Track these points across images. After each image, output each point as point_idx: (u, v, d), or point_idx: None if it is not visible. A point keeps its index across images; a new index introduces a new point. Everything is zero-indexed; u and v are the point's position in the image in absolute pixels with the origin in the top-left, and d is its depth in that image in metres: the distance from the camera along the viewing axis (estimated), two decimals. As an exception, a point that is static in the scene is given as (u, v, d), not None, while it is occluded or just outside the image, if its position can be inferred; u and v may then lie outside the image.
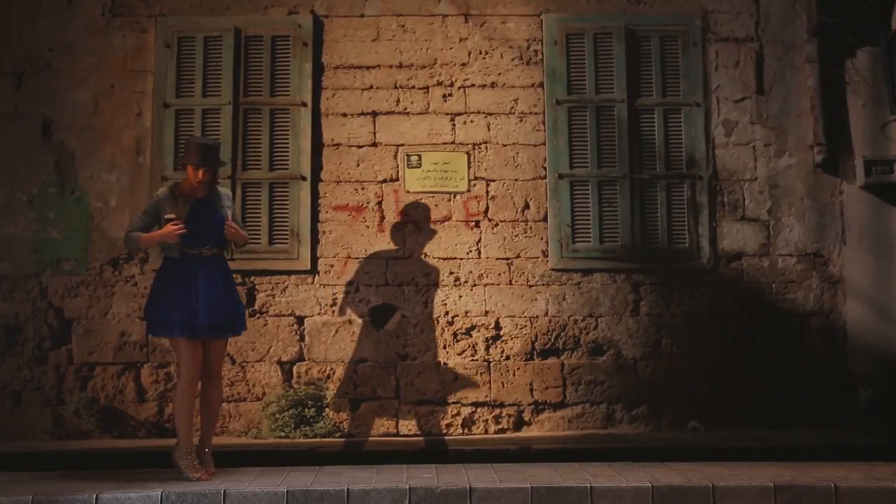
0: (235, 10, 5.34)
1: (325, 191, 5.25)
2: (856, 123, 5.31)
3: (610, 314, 5.19)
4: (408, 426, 5.07)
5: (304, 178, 5.21)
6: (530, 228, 5.25)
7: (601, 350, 5.17)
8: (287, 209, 5.19)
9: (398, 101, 5.31)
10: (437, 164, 5.27)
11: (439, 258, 5.22)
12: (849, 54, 5.31)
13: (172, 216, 4.09)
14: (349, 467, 4.45)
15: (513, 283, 5.21)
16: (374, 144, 5.30)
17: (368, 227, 5.23)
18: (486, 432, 5.07)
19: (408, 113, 5.31)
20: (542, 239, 5.23)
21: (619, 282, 5.21)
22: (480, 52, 5.35)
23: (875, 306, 5.19)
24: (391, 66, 5.34)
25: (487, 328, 5.17)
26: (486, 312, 5.19)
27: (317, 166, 5.25)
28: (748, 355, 5.15)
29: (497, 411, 5.11)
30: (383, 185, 5.27)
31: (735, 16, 5.40)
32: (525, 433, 5.07)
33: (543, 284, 5.20)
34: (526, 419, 5.11)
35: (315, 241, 5.20)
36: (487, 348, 5.16)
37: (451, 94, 5.32)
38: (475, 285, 5.20)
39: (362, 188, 5.26)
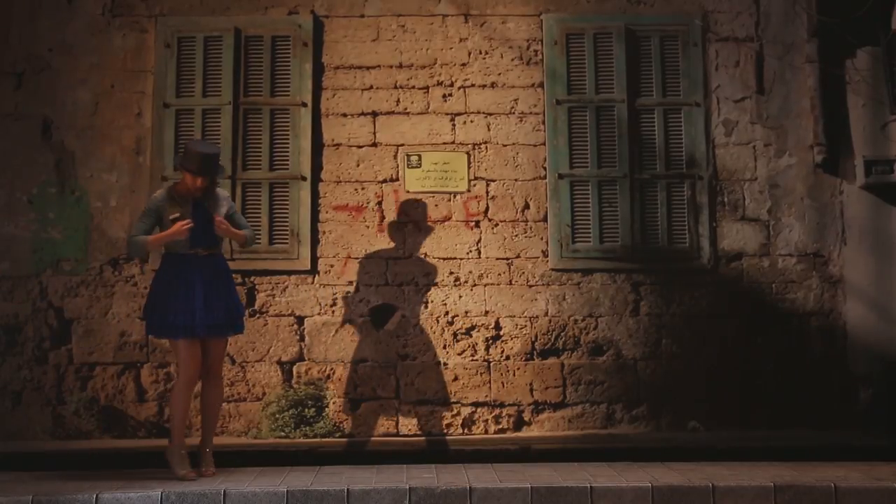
0: (235, 10, 5.35)
1: (325, 191, 5.25)
2: (856, 123, 5.31)
3: (610, 314, 5.19)
4: (408, 426, 5.07)
5: (304, 178, 5.21)
6: (530, 228, 5.25)
7: (601, 350, 5.17)
8: (287, 209, 5.19)
9: (398, 101, 5.32)
10: (437, 164, 5.27)
11: (439, 258, 5.22)
12: (849, 54, 5.31)
13: (178, 215, 4.09)
14: (349, 467, 4.45)
15: (513, 283, 5.21)
16: (374, 144, 5.30)
17: (368, 227, 5.23)
18: (486, 432, 5.07)
19: (408, 113, 5.31)
20: (542, 239, 5.23)
21: (619, 282, 5.21)
22: (480, 52, 5.35)
23: (875, 306, 5.19)
24: (391, 66, 5.34)
25: (487, 328, 5.17)
26: (486, 312, 5.19)
27: (317, 166, 5.26)
28: (748, 355, 5.15)
29: (497, 411, 5.11)
30: (383, 185, 5.27)
31: (735, 16, 5.40)
32: (525, 433, 5.07)
33: (543, 284, 5.20)
34: (526, 419, 5.11)
35: (315, 241, 5.21)
36: (487, 348, 5.16)
37: (451, 94, 5.32)
38: (475, 285, 5.20)
39: (362, 188, 5.26)
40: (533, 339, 5.17)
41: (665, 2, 5.40)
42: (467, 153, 5.29)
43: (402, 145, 5.29)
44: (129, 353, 5.10)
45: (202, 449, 4.23)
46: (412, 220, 5.24)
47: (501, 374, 5.14)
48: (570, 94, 5.30)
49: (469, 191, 5.27)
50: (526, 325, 5.17)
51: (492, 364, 5.15)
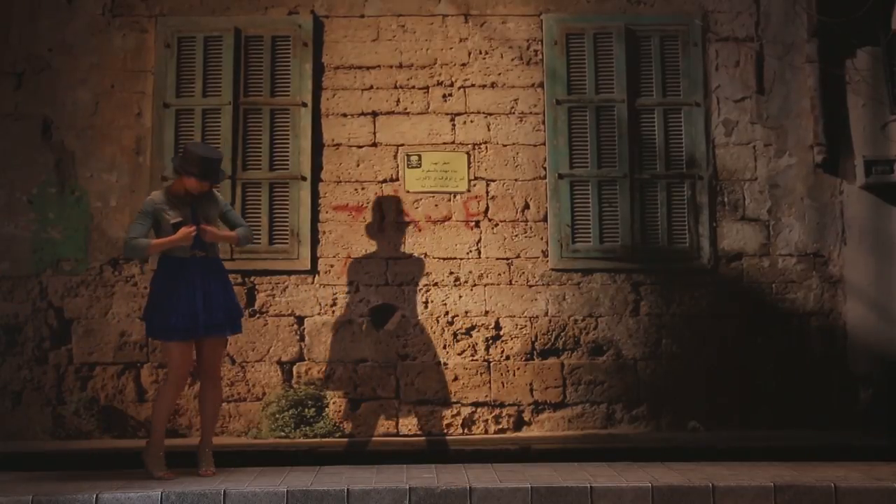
0: (235, 10, 5.35)
1: (325, 191, 5.25)
2: (856, 123, 5.31)
3: (610, 314, 5.19)
4: (408, 426, 5.07)
5: (304, 178, 5.21)
6: (530, 228, 5.25)
7: (601, 350, 5.17)
8: (287, 209, 5.19)
9: (398, 101, 5.32)
10: (437, 164, 5.27)
11: (439, 258, 5.22)
12: (849, 54, 5.31)
13: (180, 220, 4.09)
14: (349, 467, 4.45)
15: (513, 283, 5.21)
16: (374, 144, 5.30)
17: (368, 227, 5.23)
18: (486, 432, 5.08)
19: (408, 113, 5.31)
20: (542, 239, 5.23)
21: (619, 282, 5.21)
22: (480, 52, 5.35)
23: (875, 306, 5.19)
24: (391, 66, 5.34)
25: (487, 328, 5.17)
26: (486, 312, 5.19)
27: (317, 166, 5.26)
28: (748, 355, 5.15)
29: (497, 411, 5.11)
30: (383, 185, 5.27)
31: (735, 16, 5.40)
32: (525, 433, 5.07)
33: (543, 284, 5.20)
34: (526, 419, 5.11)
35: (315, 241, 5.21)
36: (487, 348, 5.16)
37: (451, 94, 5.32)
38: (475, 285, 5.20)
39: (362, 188, 5.26)
40: (533, 339, 5.17)
41: (665, 2, 5.40)
42: (467, 153, 5.29)
43: (402, 145, 5.29)
44: (129, 353, 5.10)
45: (202, 449, 4.23)
46: (412, 220, 5.24)
47: (501, 374, 5.14)
48: (570, 94, 5.30)
49: (469, 191, 5.27)
50: (526, 325, 5.17)
51: (492, 364, 5.15)
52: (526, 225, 5.25)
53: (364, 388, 5.11)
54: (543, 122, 5.29)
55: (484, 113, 5.31)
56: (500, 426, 5.10)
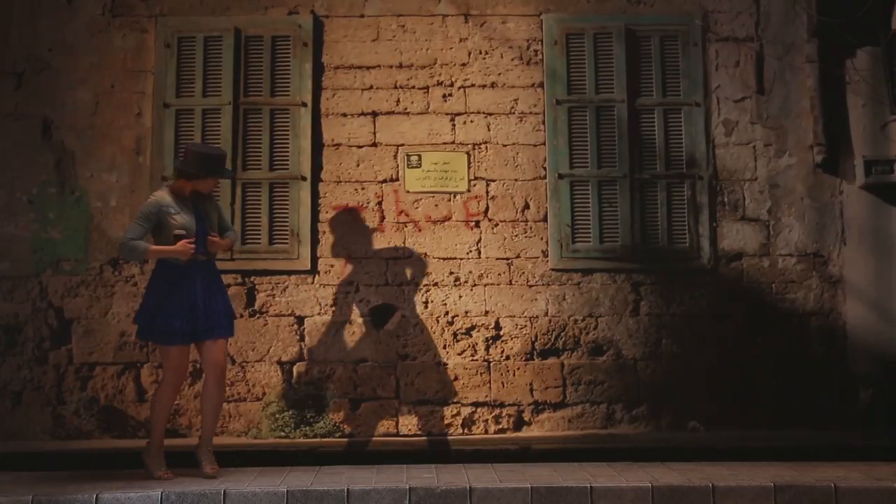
0: (235, 10, 5.35)
1: (325, 191, 5.25)
2: (856, 123, 5.31)
3: (610, 314, 5.19)
4: (408, 426, 5.07)
5: (304, 178, 5.21)
6: (530, 228, 5.25)
7: (601, 350, 5.17)
8: (287, 209, 5.19)
9: (398, 101, 5.32)
10: (437, 164, 5.27)
11: (439, 258, 5.22)
12: (849, 54, 5.31)
13: (183, 232, 4.11)
14: (349, 467, 4.45)
15: (513, 283, 5.21)
16: (374, 144, 5.30)
17: (368, 227, 5.23)
18: (486, 432, 5.07)
19: (408, 113, 5.31)
20: (542, 239, 5.23)
21: (619, 282, 5.21)
22: (480, 52, 5.35)
23: (875, 306, 5.19)
24: (391, 66, 5.34)
25: (487, 328, 5.17)
26: (486, 312, 5.19)
27: (317, 166, 5.26)
28: (748, 355, 5.15)
29: (497, 411, 5.11)
30: (383, 185, 5.27)
31: (735, 16, 5.40)
32: (525, 433, 5.07)
33: (543, 284, 5.20)
34: (526, 419, 5.11)
35: (315, 241, 5.21)
36: (487, 348, 5.16)
37: (451, 94, 5.32)
38: (475, 285, 5.20)
39: (362, 188, 5.26)
40: (533, 339, 5.17)
41: (665, 2, 5.40)
42: (467, 153, 5.29)
43: (402, 145, 5.29)
44: (129, 353, 5.10)
45: (203, 448, 4.23)
46: (412, 220, 5.24)
47: (501, 374, 5.14)
48: (570, 94, 5.30)
49: (469, 191, 5.27)
50: (526, 325, 5.17)
51: (492, 364, 5.15)
52: (526, 225, 5.25)
53: (364, 388, 5.11)
54: (543, 122, 5.29)
55: (484, 113, 5.31)
56: (500, 426, 5.09)
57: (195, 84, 5.25)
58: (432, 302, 5.18)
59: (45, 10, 5.32)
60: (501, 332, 5.17)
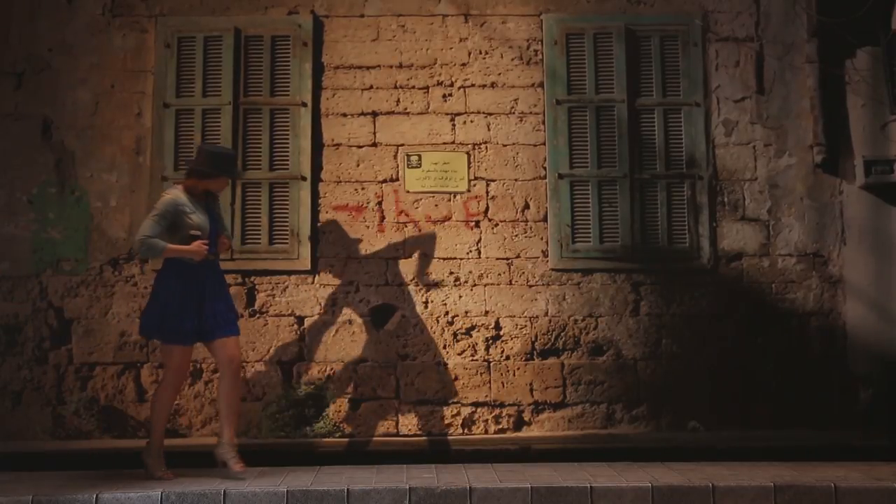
0: (235, 10, 5.35)
1: (325, 191, 5.25)
2: (856, 123, 5.31)
3: (610, 314, 5.19)
4: (408, 426, 5.07)
5: (304, 178, 5.21)
6: (530, 228, 5.24)
7: (601, 350, 5.17)
8: (287, 209, 5.19)
9: (398, 101, 5.31)
10: (437, 164, 5.27)
11: (439, 258, 5.22)
12: (849, 54, 5.32)
13: (198, 233, 4.15)
14: (349, 467, 4.46)
15: (513, 283, 5.21)
16: (374, 144, 5.30)
17: (368, 227, 5.23)
18: (486, 432, 5.07)
19: (408, 113, 5.31)
20: (542, 239, 5.23)
21: (619, 282, 5.21)
22: (480, 52, 5.35)
23: (875, 306, 5.19)
24: (391, 66, 5.34)
25: (487, 328, 5.17)
26: (486, 312, 5.19)
27: (317, 166, 5.25)
28: (748, 355, 5.15)
29: (497, 411, 5.11)
30: (383, 185, 5.27)
31: (735, 16, 5.40)
32: (525, 433, 5.07)
33: (543, 284, 5.20)
34: (526, 419, 5.11)
35: (315, 241, 5.20)
36: (487, 348, 5.16)
37: (451, 94, 5.32)
38: (475, 285, 5.20)
39: (362, 188, 5.26)
40: (533, 339, 5.17)
41: (665, 2, 5.40)
42: (467, 153, 5.29)
43: (402, 145, 5.29)
44: (129, 353, 5.10)
45: (228, 447, 4.19)
46: (412, 220, 5.24)
47: (501, 374, 5.14)
48: (570, 94, 5.30)
49: (469, 191, 5.27)
50: (526, 325, 5.17)
51: (492, 364, 5.15)
52: (526, 225, 5.25)
53: (364, 388, 5.11)
54: (543, 122, 5.29)
55: (484, 113, 5.31)
56: (500, 426, 5.09)
57: (195, 84, 5.25)
58: (432, 302, 5.18)
59: (45, 10, 5.32)
60: (501, 332, 5.17)
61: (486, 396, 5.12)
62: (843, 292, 5.23)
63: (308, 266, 5.17)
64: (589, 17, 5.36)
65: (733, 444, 4.76)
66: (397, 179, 5.27)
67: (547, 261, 5.21)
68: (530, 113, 5.31)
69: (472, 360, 5.15)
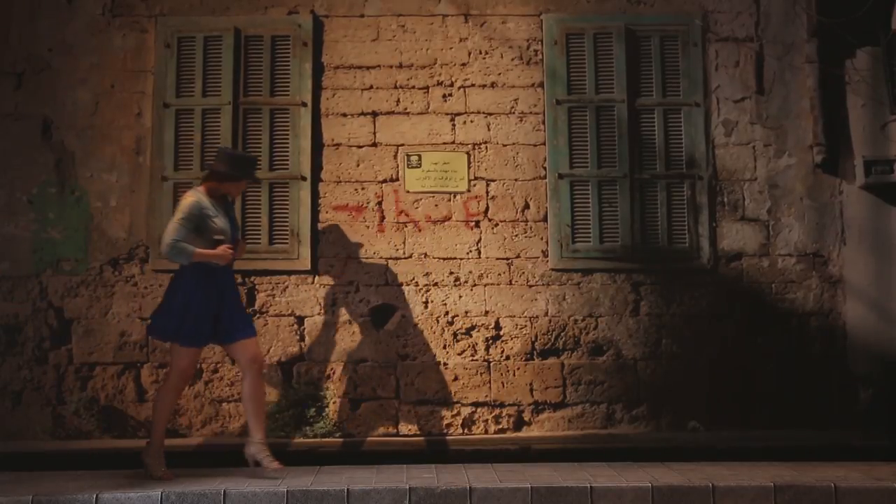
0: (235, 10, 5.35)
1: (325, 191, 5.25)
2: (856, 123, 5.31)
3: (610, 314, 5.19)
4: (408, 426, 5.07)
5: (304, 178, 5.21)
6: (530, 228, 5.25)
7: (601, 350, 5.17)
8: (287, 209, 5.19)
9: (398, 101, 5.31)
10: (437, 164, 5.27)
11: (439, 258, 5.22)
12: (849, 54, 5.32)
13: (222, 237, 4.20)
14: (349, 467, 4.46)
15: (513, 283, 5.21)
16: (374, 144, 5.30)
17: (368, 227, 5.23)
18: (486, 432, 5.07)
19: (408, 113, 5.31)
20: (542, 239, 5.23)
21: (619, 282, 5.21)
22: (480, 52, 5.35)
23: (875, 306, 5.19)
24: (391, 66, 5.34)
25: (487, 328, 5.17)
26: (486, 312, 5.19)
27: (317, 166, 5.25)
28: (748, 355, 5.15)
29: (497, 411, 5.11)
30: (383, 185, 5.27)
31: (735, 16, 5.40)
32: (525, 433, 5.07)
33: (543, 284, 5.20)
34: (526, 419, 5.11)
35: (315, 241, 5.20)
36: (487, 348, 5.16)
37: (451, 94, 5.32)
38: (475, 285, 5.20)
39: (362, 188, 5.26)
40: (533, 339, 5.17)
41: (665, 2, 5.40)
42: (467, 153, 5.29)
43: (402, 145, 5.29)
44: (129, 353, 5.10)
45: (261, 446, 4.18)
46: (412, 220, 5.24)
47: (501, 374, 5.14)
48: (570, 94, 5.30)
49: (469, 191, 5.27)
50: (526, 325, 5.17)
51: (492, 364, 5.15)
52: (526, 225, 5.25)
53: (364, 388, 5.11)
54: (543, 122, 5.30)
55: (484, 113, 5.31)
56: (500, 426, 5.09)
57: (195, 84, 5.25)
58: (432, 302, 5.18)
59: (45, 10, 5.32)
60: (501, 332, 5.17)
61: (486, 396, 5.12)
62: (843, 292, 5.23)
63: (308, 266, 5.17)
64: (589, 17, 5.36)
65: (733, 444, 4.76)
66: (397, 179, 5.27)
67: (547, 261, 5.21)
68: (530, 113, 5.31)
69: (472, 360, 5.15)
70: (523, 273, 5.21)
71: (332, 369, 5.12)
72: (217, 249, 4.17)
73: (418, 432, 5.06)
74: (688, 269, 5.22)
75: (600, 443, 4.87)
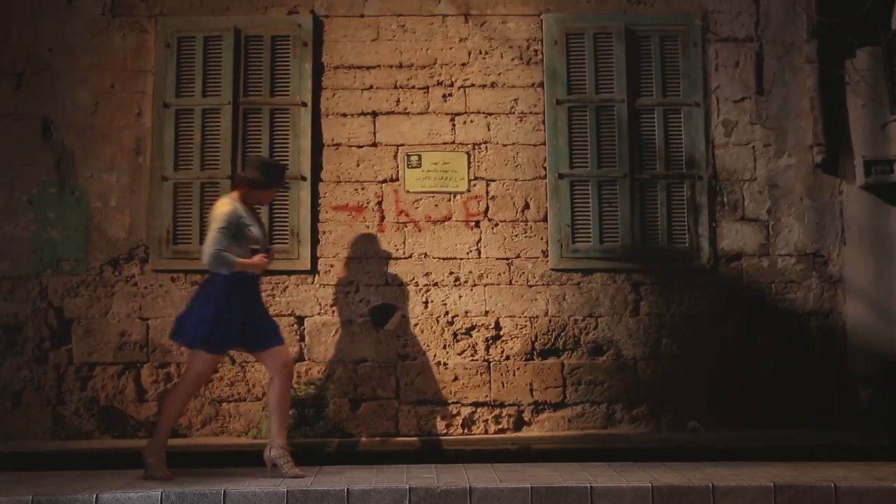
0: (235, 10, 5.34)
1: (325, 191, 5.25)
2: (856, 123, 5.31)
3: (610, 314, 5.19)
4: (408, 426, 5.07)
5: (304, 179, 5.21)
6: (530, 228, 5.25)
7: (601, 350, 5.17)
8: (287, 209, 5.19)
9: (398, 101, 5.31)
10: (437, 164, 5.27)
11: (439, 258, 5.22)
12: (849, 54, 5.32)
13: (258, 247, 4.24)
14: (349, 467, 4.45)
15: (513, 283, 5.21)
16: (374, 144, 5.30)
17: (368, 227, 5.23)
18: (486, 432, 5.07)
19: (408, 113, 5.31)
20: (542, 239, 5.23)
21: (619, 282, 5.21)
22: (480, 52, 5.35)
23: (875, 306, 5.19)
24: (391, 66, 5.34)
25: (487, 328, 5.17)
26: (486, 312, 5.19)
27: (317, 166, 5.25)
28: (748, 355, 5.15)
29: (497, 411, 5.11)
30: (383, 185, 5.27)
31: (735, 16, 5.40)
32: (525, 433, 5.07)
33: (543, 284, 5.20)
34: (526, 419, 5.11)
35: (315, 241, 5.20)
36: (487, 348, 5.16)
37: (451, 94, 5.32)
38: (475, 285, 5.20)
39: (362, 188, 5.26)
40: (533, 339, 5.17)
41: (665, 2, 5.40)
42: (467, 153, 5.29)
43: (402, 145, 5.29)
44: (129, 353, 5.10)
45: (280, 450, 4.18)
46: (412, 220, 5.24)
47: (501, 374, 5.14)
48: (570, 94, 5.30)
49: (469, 191, 5.27)
50: (526, 325, 5.17)
51: (492, 364, 5.15)
52: (526, 225, 5.25)
53: (364, 388, 5.11)
54: (543, 122, 5.30)
55: (484, 113, 5.31)
56: (500, 426, 5.09)
57: (195, 84, 5.25)
58: (432, 302, 5.18)
59: (45, 10, 5.32)
60: (501, 332, 5.17)
61: (486, 396, 5.12)
62: (843, 292, 5.23)
63: (308, 266, 5.17)
64: (589, 17, 5.36)
65: (733, 444, 4.76)
66: (397, 179, 5.27)
67: (547, 261, 5.21)
68: (530, 113, 5.31)
69: (472, 360, 5.15)
70: (523, 273, 5.21)
71: (332, 369, 5.12)
72: (254, 259, 4.20)
73: (418, 432, 5.06)
74: (688, 269, 5.22)
75: (600, 443, 4.87)
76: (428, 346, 5.15)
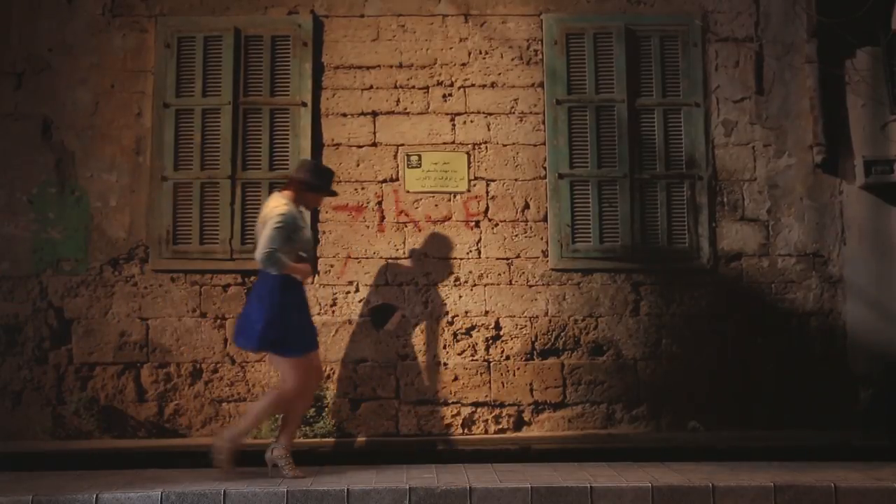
0: (235, 10, 5.34)
1: (325, 191, 5.25)
2: (856, 123, 5.31)
3: (610, 314, 5.19)
4: (408, 426, 5.07)
5: (304, 178, 5.20)
6: (530, 228, 5.24)
7: (601, 350, 5.17)
8: (287, 209, 5.19)
9: (398, 101, 5.31)
10: (437, 164, 5.27)
11: (439, 258, 5.22)
12: (849, 54, 5.32)
13: (305, 255, 4.33)
14: (349, 467, 4.46)
15: (513, 283, 5.21)
16: (374, 144, 5.29)
17: (368, 227, 5.23)
18: (486, 432, 5.07)
19: (408, 113, 5.31)
20: (542, 239, 5.23)
21: (619, 282, 5.21)
22: (480, 52, 5.35)
23: (875, 306, 5.19)
24: (391, 66, 5.34)
25: (487, 328, 5.17)
26: (486, 312, 5.19)
27: (317, 166, 5.25)
28: (748, 355, 5.15)
29: (497, 411, 5.11)
30: (383, 185, 5.27)
31: (735, 16, 5.40)
32: (525, 433, 5.07)
33: (543, 284, 5.20)
34: (526, 419, 5.11)
35: (315, 241, 5.20)
36: (487, 348, 5.16)
37: (451, 94, 5.32)
38: (475, 285, 5.20)
39: (362, 188, 5.26)
40: (533, 339, 5.17)
41: (665, 2, 5.40)
42: (467, 153, 5.29)
43: (402, 145, 5.29)
44: (129, 353, 5.10)
45: (283, 450, 4.21)
46: (412, 220, 5.24)
47: (501, 374, 5.14)
48: (570, 94, 5.30)
49: (469, 191, 5.27)
50: (526, 325, 5.17)
51: (492, 364, 5.15)
52: (526, 225, 5.25)
53: (364, 388, 5.11)
54: (543, 122, 5.30)
55: (484, 113, 5.31)
56: (500, 426, 5.09)
57: (195, 84, 5.25)
58: (432, 302, 5.18)
59: (45, 10, 5.32)
60: (501, 332, 5.17)
61: (486, 396, 5.12)
62: (843, 292, 5.23)
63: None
64: (589, 17, 5.36)
65: (733, 444, 4.76)
66: (397, 179, 5.27)
67: (547, 261, 5.21)
68: (530, 113, 5.31)
69: (472, 360, 5.15)
70: (523, 273, 5.21)
71: (332, 369, 5.12)
72: (301, 266, 4.26)
73: (418, 432, 5.05)
74: (688, 269, 5.22)
75: (600, 443, 4.87)
76: (428, 346, 5.15)
